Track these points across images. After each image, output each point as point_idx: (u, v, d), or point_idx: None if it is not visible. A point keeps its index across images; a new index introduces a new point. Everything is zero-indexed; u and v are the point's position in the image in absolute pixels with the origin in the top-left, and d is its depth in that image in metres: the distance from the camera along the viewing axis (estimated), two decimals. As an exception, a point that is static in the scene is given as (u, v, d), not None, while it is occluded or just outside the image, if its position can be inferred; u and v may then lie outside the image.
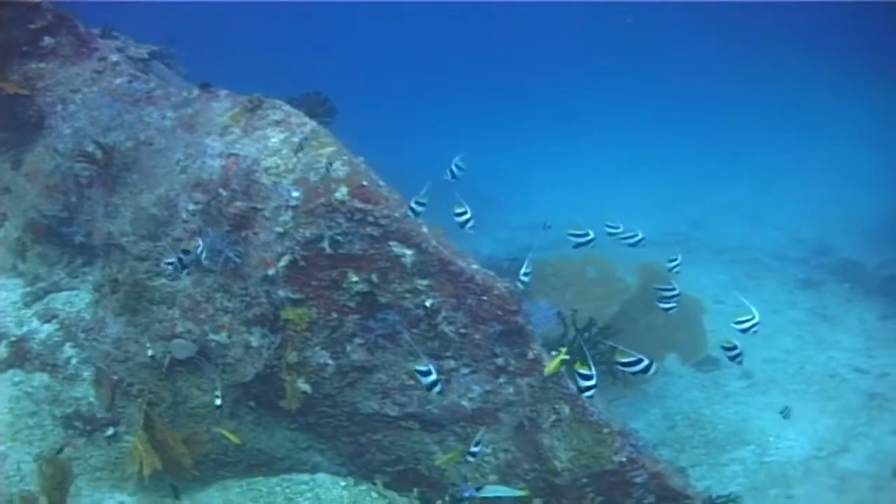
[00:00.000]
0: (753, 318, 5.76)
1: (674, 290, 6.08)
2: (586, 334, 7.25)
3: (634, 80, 33.41)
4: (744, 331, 5.79)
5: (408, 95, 30.81)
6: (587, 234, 5.82)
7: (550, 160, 24.24)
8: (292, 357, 6.01)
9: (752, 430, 9.64)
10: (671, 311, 6.18)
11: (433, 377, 5.12)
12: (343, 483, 6.67)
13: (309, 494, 6.67)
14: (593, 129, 27.81)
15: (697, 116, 27.95)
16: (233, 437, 6.24)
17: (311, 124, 6.04)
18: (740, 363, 5.93)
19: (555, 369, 5.85)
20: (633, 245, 6.30)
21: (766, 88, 29.98)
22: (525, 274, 5.62)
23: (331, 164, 5.66)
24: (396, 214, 5.64)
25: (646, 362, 5.02)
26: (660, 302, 6.16)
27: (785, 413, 8.75)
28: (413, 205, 5.27)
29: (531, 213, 19.20)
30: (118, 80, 7.01)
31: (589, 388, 4.96)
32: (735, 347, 5.68)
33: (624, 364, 5.09)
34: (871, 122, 23.76)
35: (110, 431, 6.71)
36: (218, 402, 5.90)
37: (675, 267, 6.31)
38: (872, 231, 16.74)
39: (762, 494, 8.25)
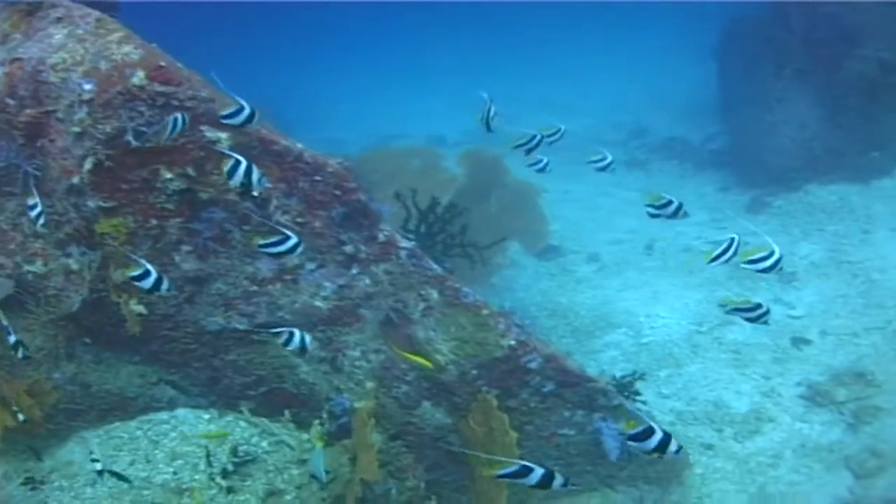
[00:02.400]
0: (773, 253, 5.32)
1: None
2: (431, 216, 6.55)
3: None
4: (764, 270, 5.46)
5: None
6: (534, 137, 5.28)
7: (352, 77, 23.59)
8: (118, 276, 5.26)
9: (618, 312, 9.22)
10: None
11: None
12: (207, 416, 5.98)
13: (173, 434, 5.97)
14: (394, 43, 26.97)
15: (493, 21, 27.01)
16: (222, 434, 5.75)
17: (95, 14, 5.25)
18: (766, 322, 5.36)
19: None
20: (602, 169, 6.50)
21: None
22: None
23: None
24: (203, 94, 4.90)
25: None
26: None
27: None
28: None
29: (338, 128, 18.67)
30: None
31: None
32: (757, 307, 5.20)
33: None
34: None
35: (-54, 396, 5.94)
36: (98, 465, 5.35)
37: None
38: (687, 108, 16.58)
39: (653, 377, 7.71)
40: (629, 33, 22.69)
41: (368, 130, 17.38)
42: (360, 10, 29.88)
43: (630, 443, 3.94)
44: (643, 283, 9.87)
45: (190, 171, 5.00)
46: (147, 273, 4.62)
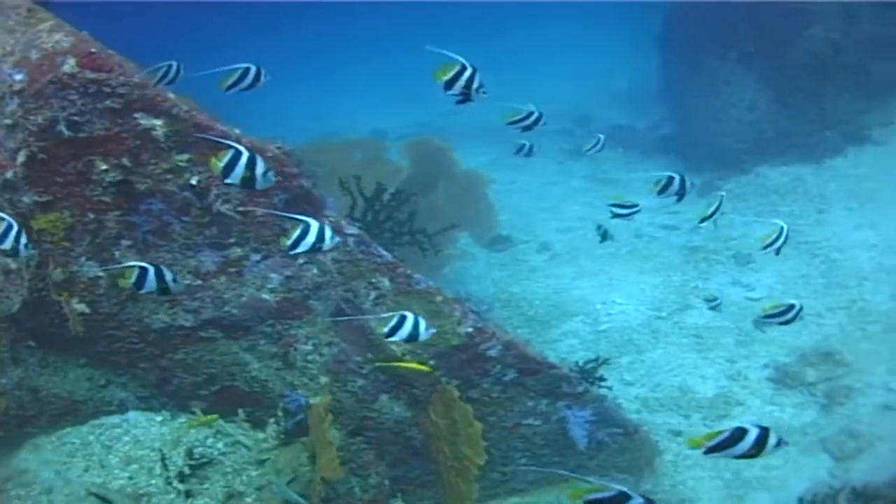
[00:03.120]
0: (781, 231, 5.43)
1: None
2: (377, 204, 6.35)
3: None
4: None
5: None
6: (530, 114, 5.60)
7: (287, 75, 22.87)
8: (57, 274, 5.07)
9: (573, 300, 9.09)
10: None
11: None
12: (159, 419, 5.76)
13: (126, 438, 5.76)
14: (328, 40, 26.71)
15: (426, 15, 26.40)
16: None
17: (26, 4, 5.10)
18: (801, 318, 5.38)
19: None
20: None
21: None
22: None
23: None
24: (136, 80, 4.72)
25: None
26: None
27: (713, 305, 7.96)
28: None
29: (275, 127, 18.26)
30: None
31: None
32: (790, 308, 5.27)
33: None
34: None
35: None
36: None
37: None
38: (632, 97, 16.48)
39: (614, 364, 7.57)
40: (569, 26, 22.50)
41: (307, 128, 17.12)
42: (292, 8, 29.29)
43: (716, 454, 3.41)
44: (597, 270, 9.79)
45: (126, 161, 4.83)
46: (144, 273, 4.26)
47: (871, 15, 12.41)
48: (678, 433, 6.98)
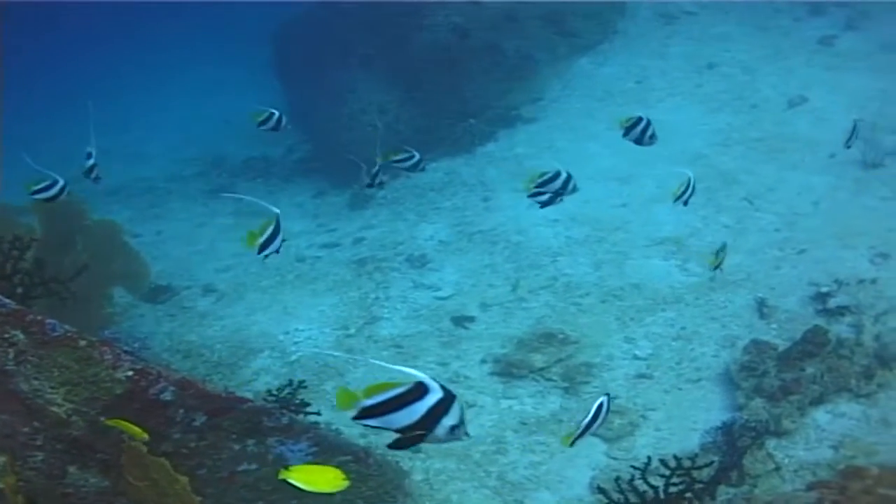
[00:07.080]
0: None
1: None
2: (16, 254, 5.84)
3: None
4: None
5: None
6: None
7: None
8: None
9: (254, 337, 8.57)
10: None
11: None
12: None
13: None
14: None
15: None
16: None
17: None
18: None
19: None
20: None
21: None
22: None
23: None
24: None
25: None
26: None
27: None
28: None
29: None
30: None
31: None
32: None
33: None
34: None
35: None
36: None
37: None
38: (258, 131, 15.47)
39: (319, 392, 7.12)
40: (175, 70, 21.62)
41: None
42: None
43: None
44: (269, 301, 9.30)
45: None
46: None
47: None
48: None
